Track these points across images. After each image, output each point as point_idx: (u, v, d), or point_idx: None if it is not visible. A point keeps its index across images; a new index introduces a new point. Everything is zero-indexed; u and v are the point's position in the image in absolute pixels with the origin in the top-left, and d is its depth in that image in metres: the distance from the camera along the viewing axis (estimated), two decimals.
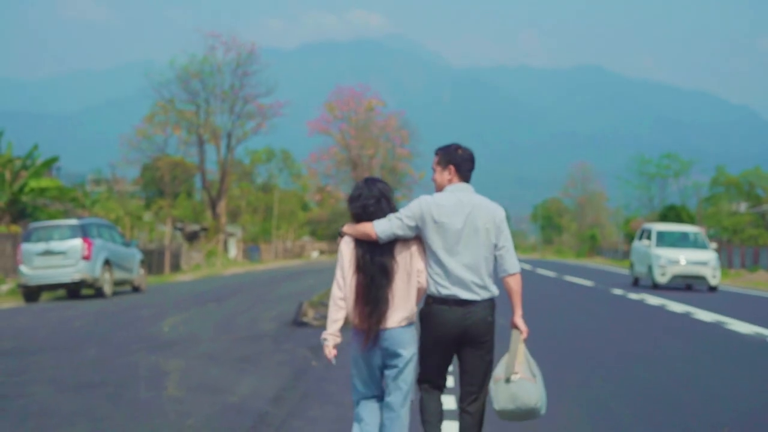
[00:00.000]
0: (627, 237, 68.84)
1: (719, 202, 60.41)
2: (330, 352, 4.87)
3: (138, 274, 21.86)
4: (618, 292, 21.69)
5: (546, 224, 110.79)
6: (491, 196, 5.20)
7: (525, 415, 4.86)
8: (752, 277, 31.66)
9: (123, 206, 45.13)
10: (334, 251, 70.49)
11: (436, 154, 5.02)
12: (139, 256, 22.16)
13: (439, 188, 4.97)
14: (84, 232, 19.29)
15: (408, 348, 4.82)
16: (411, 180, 63.31)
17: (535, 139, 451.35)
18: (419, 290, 4.88)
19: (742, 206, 59.61)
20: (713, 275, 22.44)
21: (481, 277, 4.81)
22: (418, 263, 4.86)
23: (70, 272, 18.90)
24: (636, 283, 24.95)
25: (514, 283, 4.89)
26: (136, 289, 21.93)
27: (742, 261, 40.08)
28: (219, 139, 52.79)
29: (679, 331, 12.94)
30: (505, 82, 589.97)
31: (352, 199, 4.92)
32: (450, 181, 4.93)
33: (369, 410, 4.94)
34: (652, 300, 18.56)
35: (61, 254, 18.94)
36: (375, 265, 4.76)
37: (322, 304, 14.05)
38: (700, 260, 22.62)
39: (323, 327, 12.48)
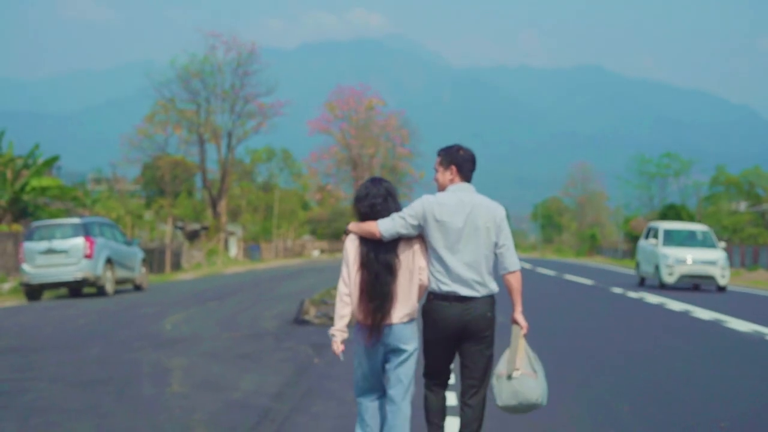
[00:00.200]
0: (627, 236, 68.93)
1: (719, 202, 60.50)
2: (338, 347, 5.00)
3: (140, 273, 21.93)
4: (618, 290, 21.77)
5: (546, 223, 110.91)
6: (491, 195, 5.29)
7: (527, 409, 5.02)
8: (752, 276, 31.76)
9: (124, 205, 45.21)
10: (334, 250, 70.61)
11: (439, 155, 5.14)
12: (140, 254, 22.23)
13: (442, 188, 5.09)
14: (86, 230, 19.37)
15: (410, 343, 4.95)
16: (411, 179, 63.46)
17: (535, 139, 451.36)
18: (421, 287, 5.01)
19: (742, 205, 59.70)
20: (722, 275, 21.96)
21: (480, 275, 4.93)
22: (420, 261, 4.99)
23: (73, 271, 18.98)
24: (642, 283, 24.45)
25: (514, 281, 5.01)
26: (137, 288, 22.02)
27: (741, 260, 40.18)
28: (219, 139, 52.89)
29: (677, 329, 13.02)
30: (505, 82, 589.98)
31: (360, 199, 5.03)
32: (452, 181, 5.05)
33: (371, 412, 5.05)
34: (652, 299, 18.64)
35: (64, 253, 19.03)
36: (379, 262, 4.89)
37: (324, 303, 14.14)
38: (708, 259, 22.15)
39: (324, 325, 12.61)
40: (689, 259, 22.15)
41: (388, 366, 4.99)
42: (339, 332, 4.98)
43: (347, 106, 62.08)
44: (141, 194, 60.75)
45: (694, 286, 23.23)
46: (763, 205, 54.84)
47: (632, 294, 20.37)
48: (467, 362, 5.04)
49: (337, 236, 73.24)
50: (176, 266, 35.60)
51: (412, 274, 4.96)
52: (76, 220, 20.01)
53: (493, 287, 4.99)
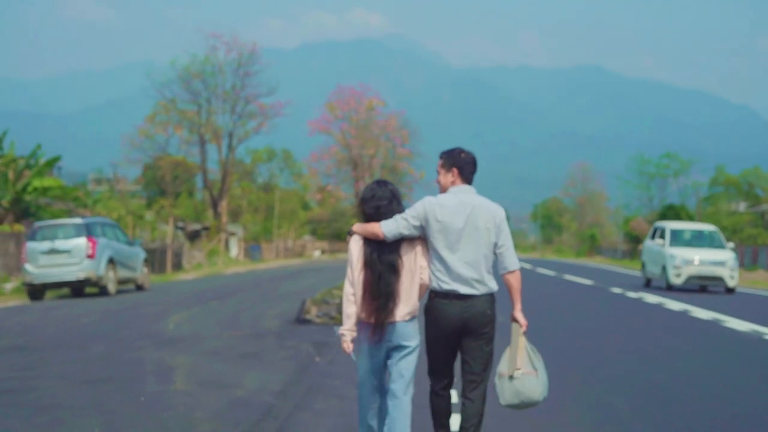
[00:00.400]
0: (627, 237, 69.05)
1: (718, 202, 60.63)
2: (348, 346, 5.12)
3: (141, 273, 22.03)
4: (617, 290, 21.85)
5: (546, 224, 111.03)
6: (492, 195, 5.42)
7: (529, 406, 5.20)
8: (751, 276, 31.85)
9: (125, 206, 45.32)
10: (334, 250, 70.68)
11: (441, 157, 5.28)
12: (142, 254, 22.33)
13: (443, 190, 5.24)
14: (88, 231, 19.47)
15: (412, 340, 5.09)
16: (411, 179, 63.51)
17: (536, 139, 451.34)
18: (422, 286, 5.15)
19: (741, 206, 59.82)
20: (731, 276, 21.41)
21: (480, 274, 5.07)
22: (422, 261, 5.14)
23: (75, 271, 19.09)
24: (648, 285, 23.93)
25: (514, 280, 5.16)
26: (139, 288, 22.12)
27: (740, 260, 40.29)
28: (220, 139, 53.00)
29: (676, 329, 13.11)
30: (505, 82, 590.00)
31: (366, 200, 5.17)
32: (453, 183, 5.20)
33: (373, 411, 5.20)
34: (651, 298, 18.73)
35: (66, 253, 19.13)
36: (383, 262, 5.04)
37: (325, 302, 14.25)
38: (717, 260, 21.58)
39: (326, 324, 12.73)
40: (697, 260, 21.57)
41: (390, 362, 5.12)
42: (348, 331, 5.12)
43: (347, 107, 62.14)
44: (142, 194, 60.86)
45: (701, 287, 22.74)
46: (762, 206, 54.95)
47: (631, 294, 20.46)
48: (467, 358, 5.17)
49: (337, 236, 73.32)
50: (177, 266, 35.70)
51: (414, 274, 5.11)
52: (78, 221, 20.11)
53: (493, 286, 5.13)
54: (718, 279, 21.52)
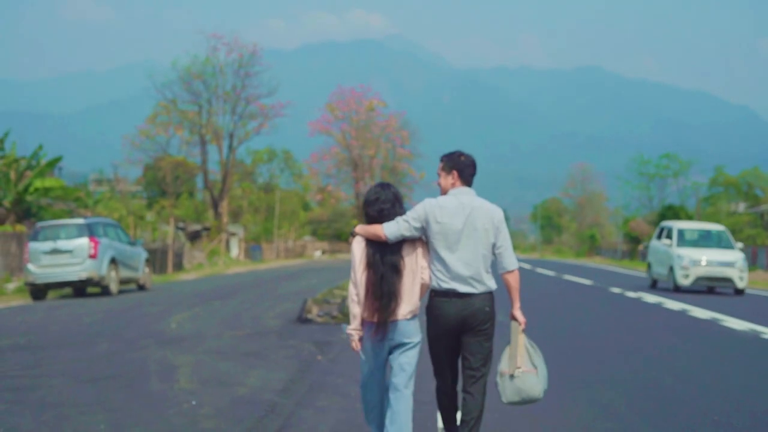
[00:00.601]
0: (626, 237, 69.18)
1: (718, 202, 60.74)
2: (356, 345, 5.29)
3: (143, 273, 22.14)
4: (616, 290, 21.94)
5: (546, 224, 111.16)
6: (492, 196, 5.56)
7: (530, 402, 5.38)
8: (750, 277, 31.93)
9: (125, 206, 45.43)
10: (335, 251, 70.79)
11: (441, 160, 5.44)
12: (144, 255, 22.44)
13: (444, 192, 5.40)
14: (90, 231, 19.58)
15: (413, 337, 5.25)
16: (411, 180, 63.59)
17: (536, 140, 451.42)
18: (423, 286, 5.31)
19: (741, 206, 59.94)
20: (740, 277, 20.89)
21: (478, 273, 5.22)
22: (422, 261, 5.30)
23: (77, 271, 19.20)
24: (654, 286, 23.30)
25: (512, 279, 5.32)
26: (141, 288, 22.23)
27: None
28: (221, 140, 53.12)
29: (674, 327, 13.21)
30: (505, 83, 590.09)
31: (370, 203, 5.33)
32: (453, 185, 5.35)
33: (377, 409, 5.36)
34: (650, 298, 18.83)
35: (68, 253, 19.24)
36: (385, 263, 5.20)
37: (326, 302, 14.36)
38: (726, 261, 21.04)
39: (327, 324, 12.84)
40: (706, 261, 21.04)
41: (391, 357, 5.28)
42: (355, 331, 5.29)
43: (348, 107, 62.22)
44: (142, 195, 60.98)
45: (709, 288, 22.31)
46: (761, 206, 55.07)
47: (631, 294, 20.55)
48: (467, 354, 5.32)
49: (337, 237, 73.44)
50: (178, 267, 35.81)
51: (415, 274, 5.27)
52: (80, 221, 20.22)
53: (491, 285, 5.28)
54: (728, 280, 21.02)
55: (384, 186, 5.43)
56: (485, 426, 6.10)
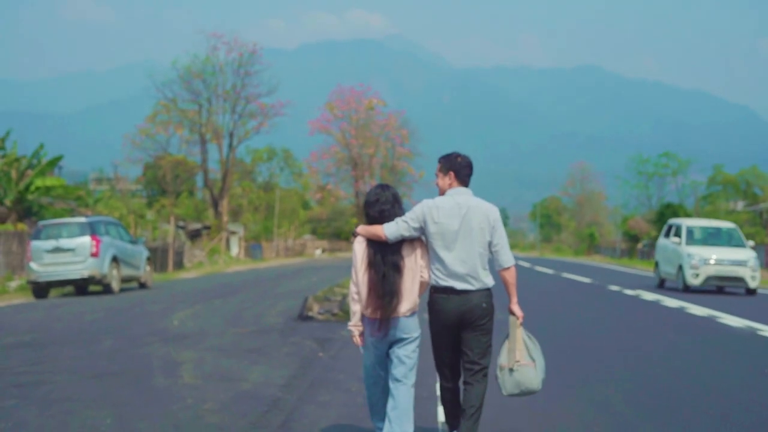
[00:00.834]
0: (625, 236, 69.29)
1: (716, 201, 60.88)
2: (357, 340, 5.50)
3: (144, 271, 22.25)
4: (615, 288, 22.02)
5: (545, 223, 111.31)
6: (492, 195, 5.71)
7: (529, 394, 5.58)
8: None
9: (126, 205, 45.53)
10: (334, 249, 70.90)
11: (439, 161, 5.62)
12: (145, 253, 22.54)
13: (442, 192, 5.58)
14: (92, 229, 19.70)
15: (412, 333, 5.43)
16: (411, 179, 63.68)
17: (536, 140, 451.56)
18: (422, 284, 5.51)
19: (740, 204, 60.06)
20: (752, 276, 20.23)
21: (475, 271, 5.40)
22: (422, 260, 5.49)
23: (79, 269, 19.33)
24: (662, 285, 22.66)
25: (509, 276, 5.51)
26: (142, 286, 22.34)
27: None
28: (221, 138, 53.23)
29: (672, 325, 13.31)
30: (505, 83, 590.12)
31: (371, 204, 5.52)
32: (450, 186, 5.54)
33: (381, 402, 5.56)
34: (647, 296, 18.92)
35: (70, 251, 19.36)
36: (386, 263, 5.39)
37: (327, 299, 14.46)
38: (737, 259, 20.40)
39: (328, 321, 12.96)
40: (717, 259, 20.37)
41: (391, 351, 5.46)
42: (355, 327, 5.51)
43: (347, 106, 62.29)
44: (142, 194, 61.08)
45: (718, 288, 21.68)
46: (760, 205, 55.20)
47: (629, 292, 20.64)
48: (466, 349, 5.50)
49: (337, 235, 73.54)
50: (179, 265, 35.92)
51: (415, 273, 5.46)
52: (82, 219, 20.33)
53: (488, 282, 5.46)
54: (739, 279, 20.38)
55: (383, 187, 5.62)
56: (484, 422, 6.21)
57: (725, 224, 22.66)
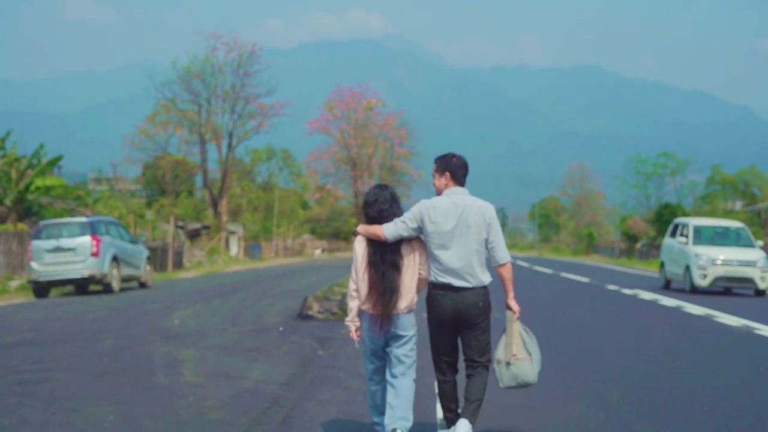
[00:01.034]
0: (623, 235, 69.40)
1: (715, 201, 60.98)
2: (353, 335, 5.71)
3: (144, 271, 22.33)
4: (612, 287, 22.09)
5: (544, 222, 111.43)
6: (492, 195, 5.84)
7: (525, 386, 5.77)
8: None
9: (125, 205, 45.60)
10: (333, 249, 70.98)
11: (435, 162, 5.79)
12: (145, 252, 22.63)
13: (439, 192, 5.75)
14: (92, 229, 19.79)
15: (408, 330, 5.61)
16: (410, 178, 63.86)
17: (535, 140, 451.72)
18: (421, 281, 5.69)
19: (738, 204, 60.15)
20: (762, 277, 19.58)
21: (472, 268, 5.56)
22: (420, 258, 5.67)
23: (80, 268, 19.42)
24: (667, 286, 21.96)
25: (505, 272, 5.68)
26: (142, 285, 22.42)
27: None
28: (220, 139, 53.31)
29: (670, 323, 13.40)
30: (504, 83, 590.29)
31: (370, 204, 5.69)
32: (446, 186, 5.70)
33: (380, 394, 5.74)
34: (645, 295, 19.01)
35: (71, 251, 19.45)
36: (385, 262, 5.56)
37: (326, 299, 14.55)
38: (747, 260, 19.69)
39: (327, 320, 13.06)
40: (725, 260, 19.71)
41: (389, 350, 5.61)
42: (351, 322, 5.71)
43: (346, 107, 62.45)
44: (141, 194, 61.15)
45: (726, 289, 20.94)
46: (758, 204, 55.28)
47: (626, 291, 20.71)
48: (465, 347, 5.71)
49: (336, 235, 73.60)
50: (178, 265, 35.99)
51: (413, 271, 5.64)
52: (83, 219, 20.42)
53: (485, 279, 5.61)
54: (748, 280, 19.70)
55: (382, 187, 5.78)
56: (483, 419, 6.31)
57: (733, 223, 22.02)
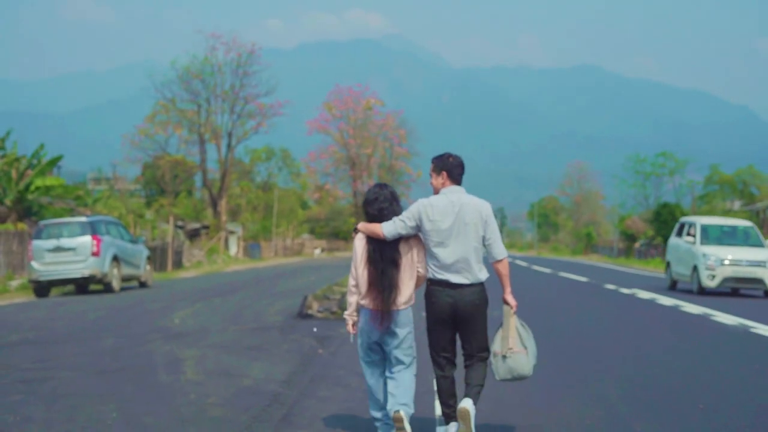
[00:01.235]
0: (622, 235, 69.47)
1: (713, 200, 61.05)
2: (350, 328, 5.92)
3: (145, 270, 22.41)
4: (611, 287, 22.16)
5: (542, 222, 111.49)
6: (491, 195, 5.96)
7: (520, 379, 5.92)
8: None
9: (124, 204, 45.66)
10: (332, 249, 71.06)
11: (432, 162, 5.93)
12: (145, 252, 22.70)
13: (436, 191, 5.88)
14: (93, 229, 19.87)
15: (405, 327, 5.76)
16: (409, 178, 63.93)
17: (535, 139, 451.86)
18: (419, 278, 5.83)
19: (736, 204, 60.22)
20: None
21: (469, 265, 5.69)
22: (418, 256, 5.81)
23: (80, 268, 19.50)
24: (674, 287, 21.43)
25: (502, 268, 5.81)
26: (142, 285, 22.49)
27: None
28: (219, 138, 53.42)
29: (667, 322, 13.48)
30: (504, 83, 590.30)
31: (370, 202, 5.83)
32: (443, 185, 5.84)
33: (379, 388, 5.88)
34: (643, 294, 19.08)
35: (71, 251, 19.53)
36: (384, 259, 5.71)
37: (326, 298, 14.64)
38: (755, 260, 19.12)
39: (327, 319, 13.14)
40: (734, 260, 19.16)
41: (387, 348, 5.78)
42: (349, 316, 5.92)
43: (345, 106, 62.51)
44: (141, 194, 61.22)
45: (733, 290, 20.48)
46: (756, 204, 55.34)
47: (624, 290, 20.78)
48: (463, 341, 5.86)
49: (335, 235, 73.68)
50: (178, 264, 36.07)
51: (412, 268, 5.78)
52: (83, 219, 20.49)
53: (482, 276, 5.75)
54: (758, 281, 19.15)
55: (382, 186, 5.93)
56: (481, 416, 6.39)
57: (742, 222, 21.41)
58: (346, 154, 63.20)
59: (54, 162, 31.44)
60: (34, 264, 19.49)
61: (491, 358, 5.89)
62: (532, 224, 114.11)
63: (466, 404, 5.58)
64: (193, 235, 48.41)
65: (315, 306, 13.83)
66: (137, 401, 7.25)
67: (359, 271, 5.76)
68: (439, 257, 5.67)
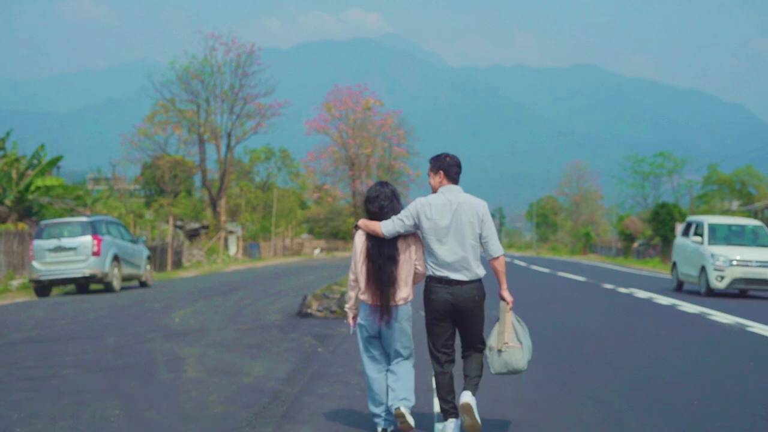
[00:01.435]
0: (620, 235, 69.59)
1: (711, 200, 61.19)
2: (350, 321, 6.12)
3: (145, 270, 22.51)
4: (609, 287, 22.27)
5: (541, 222, 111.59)
6: (489, 194, 6.10)
7: (515, 373, 6.07)
8: None
9: (124, 204, 45.78)
10: (332, 249, 71.14)
11: (430, 162, 6.09)
12: (146, 252, 22.80)
13: (434, 190, 6.04)
14: (94, 229, 19.97)
15: (404, 322, 5.92)
16: (408, 178, 63.94)
17: (532, 139, 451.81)
18: (417, 275, 6.01)
19: (734, 204, 60.35)
20: None
21: (467, 262, 5.85)
22: (415, 253, 5.98)
23: (81, 267, 19.61)
24: (680, 288, 20.84)
25: (498, 265, 5.98)
26: (143, 284, 22.59)
27: None
28: (219, 139, 53.50)
29: (663, 321, 13.58)
30: (501, 82, 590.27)
31: (371, 200, 5.99)
32: (441, 184, 6.00)
33: (378, 383, 6.02)
34: (641, 294, 19.19)
35: (72, 250, 19.63)
36: (383, 256, 5.87)
37: (325, 297, 14.75)
38: (765, 260, 18.55)
39: (327, 318, 13.25)
40: (744, 260, 18.54)
41: (385, 342, 5.95)
42: (350, 309, 6.13)
43: (344, 106, 62.51)
44: (140, 194, 61.31)
45: (741, 291, 19.80)
46: (755, 204, 55.47)
47: (622, 290, 20.88)
48: (461, 336, 6.04)
49: (334, 235, 73.77)
50: (177, 264, 36.16)
51: (410, 264, 5.95)
52: (84, 219, 20.60)
53: (480, 272, 5.91)
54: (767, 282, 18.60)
55: (383, 184, 6.08)
56: (479, 413, 6.49)
57: (750, 222, 20.76)
58: (345, 154, 63.22)
59: (54, 162, 31.53)
60: (35, 264, 19.59)
61: (486, 351, 6.04)
62: (531, 224, 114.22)
63: (468, 398, 5.72)
64: (193, 235, 48.50)
65: (314, 305, 13.94)
66: (140, 398, 7.36)
67: (358, 267, 5.93)
68: (438, 255, 5.82)
